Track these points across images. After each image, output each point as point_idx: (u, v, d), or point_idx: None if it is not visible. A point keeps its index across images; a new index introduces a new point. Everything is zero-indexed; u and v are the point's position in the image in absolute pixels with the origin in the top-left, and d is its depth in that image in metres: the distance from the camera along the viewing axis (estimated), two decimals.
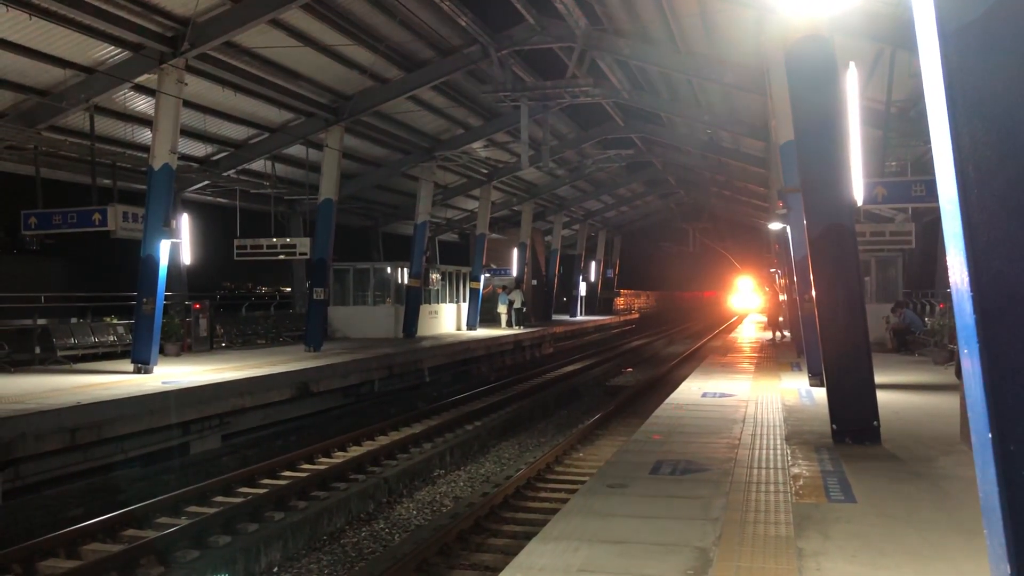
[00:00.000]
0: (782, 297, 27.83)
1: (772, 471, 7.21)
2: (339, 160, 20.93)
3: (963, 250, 2.27)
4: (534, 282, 40.82)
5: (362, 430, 14.62)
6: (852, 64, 12.08)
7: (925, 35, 2.38)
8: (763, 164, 26.14)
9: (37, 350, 16.88)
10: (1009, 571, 2.21)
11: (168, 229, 15.38)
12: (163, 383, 13.36)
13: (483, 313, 32.49)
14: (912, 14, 2.44)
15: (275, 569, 8.38)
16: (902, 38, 12.87)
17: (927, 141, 15.92)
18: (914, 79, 14.80)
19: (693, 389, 13.53)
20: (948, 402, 10.24)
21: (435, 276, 29.45)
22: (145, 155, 17.10)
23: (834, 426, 8.40)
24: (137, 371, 14.94)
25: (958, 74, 2.29)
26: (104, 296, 22.47)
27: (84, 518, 9.22)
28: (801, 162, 8.58)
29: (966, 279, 2.28)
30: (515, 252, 38.31)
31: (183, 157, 19.67)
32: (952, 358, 14.28)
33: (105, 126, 18.43)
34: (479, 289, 31.76)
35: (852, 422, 8.33)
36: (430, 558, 8.17)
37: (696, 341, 40.44)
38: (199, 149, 21.68)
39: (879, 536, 5.25)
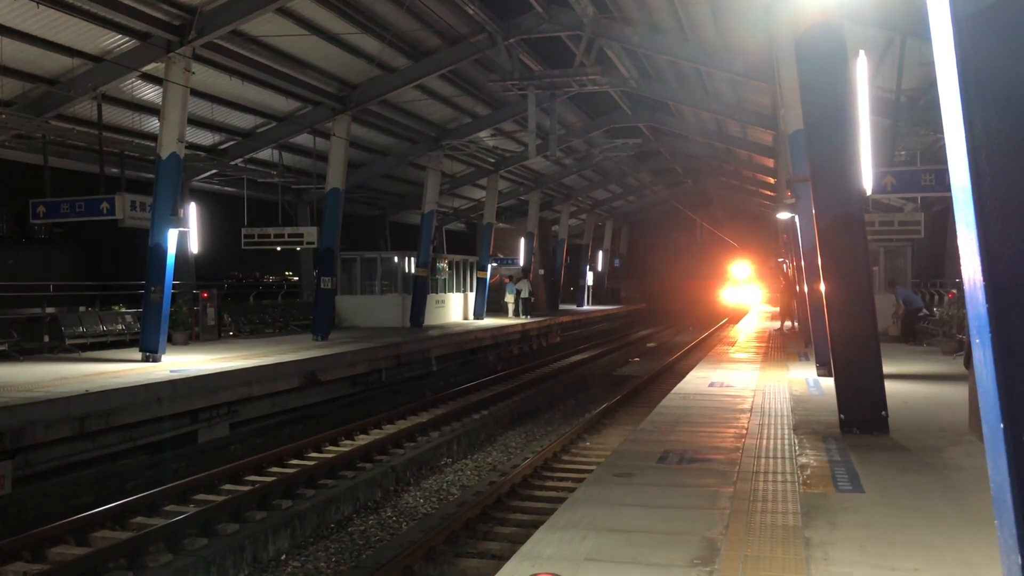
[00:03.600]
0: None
1: (779, 461, 7.21)
2: (346, 149, 20.92)
3: (976, 238, 2.25)
4: (541, 271, 40.76)
5: (370, 419, 14.66)
6: (862, 52, 11.98)
7: (938, 22, 2.35)
8: (771, 153, 26.02)
9: (46, 338, 16.96)
10: (1020, 561, 2.19)
11: (176, 218, 15.42)
12: (171, 371, 13.40)
13: (490, 302, 32.49)
14: (925, 1, 2.41)
15: (283, 557, 8.41)
16: (914, 26, 12.77)
17: (937, 130, 15.84)
18: (924, 67, 14.70)
19: (700, 379, 13.52)
20: (957, 392, 10.20)
21: (442, 265, 29.45)
22: (153, 144, 17.10)
23: (842, 416, 8.38)
24: (145, 360, 15.00)
25: (972, 61, 2.26)
26: (112, 285, 22.59)
27: (93, 506, 9.28)
28: (810, 151, 8.54)
29: (978, 268, 2.26)
30: (522, 241, 38.25)
31: (191, 146, 19.68)
32: (960, 348, 14.22)
33: (113, 115, 18.44)
34: (486, 278, 31.74)
35: (860, 412, 8.31)
36: (437, 546, 8.19)
37: (703, 331, 40.38)
38: (207, 138, 21.69)
39: (887, 526, 5.24)
